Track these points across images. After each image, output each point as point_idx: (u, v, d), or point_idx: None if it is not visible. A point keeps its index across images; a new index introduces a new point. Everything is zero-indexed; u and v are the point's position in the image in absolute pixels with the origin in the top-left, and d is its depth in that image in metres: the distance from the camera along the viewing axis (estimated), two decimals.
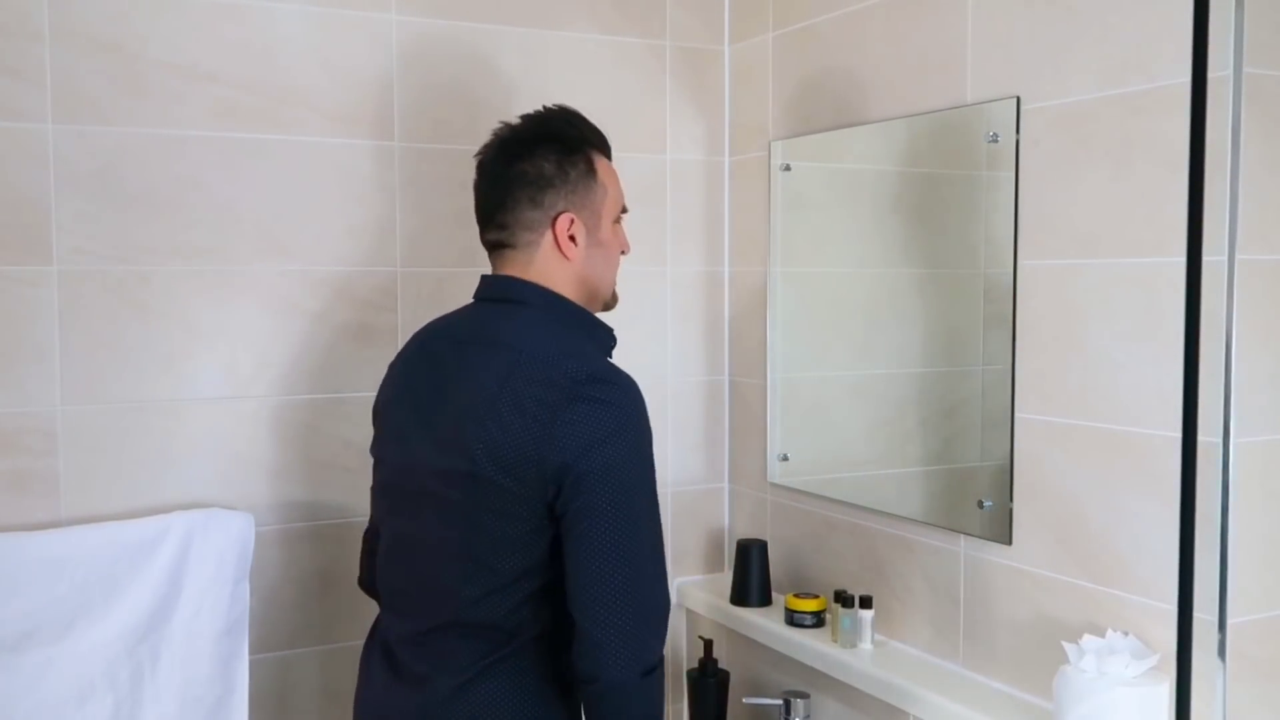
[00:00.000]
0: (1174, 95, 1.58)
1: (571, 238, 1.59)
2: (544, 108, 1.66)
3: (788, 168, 2.36)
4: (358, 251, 2.17)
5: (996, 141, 1.86)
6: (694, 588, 2.49)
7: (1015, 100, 1.82)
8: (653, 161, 2.46)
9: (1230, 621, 1.55)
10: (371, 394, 1.73)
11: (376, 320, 2.19)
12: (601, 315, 1.68)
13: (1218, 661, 1.55)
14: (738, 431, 2.55)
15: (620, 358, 2.47)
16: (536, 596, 1.51)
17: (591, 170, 1.61)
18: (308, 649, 2.16)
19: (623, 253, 1.69)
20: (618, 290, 1.70)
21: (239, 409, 2.09)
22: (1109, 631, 1.64)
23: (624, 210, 1.68)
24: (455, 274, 2.19)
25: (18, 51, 1.90)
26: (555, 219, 1.58)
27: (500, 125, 1.65)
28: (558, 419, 1.45)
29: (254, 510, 2.06)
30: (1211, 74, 1.51)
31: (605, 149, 1.66)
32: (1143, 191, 1.64)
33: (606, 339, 1.64)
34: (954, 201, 2.03)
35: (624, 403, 1.49)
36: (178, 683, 1.95)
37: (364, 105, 2.17)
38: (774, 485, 2.43)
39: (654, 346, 2.49)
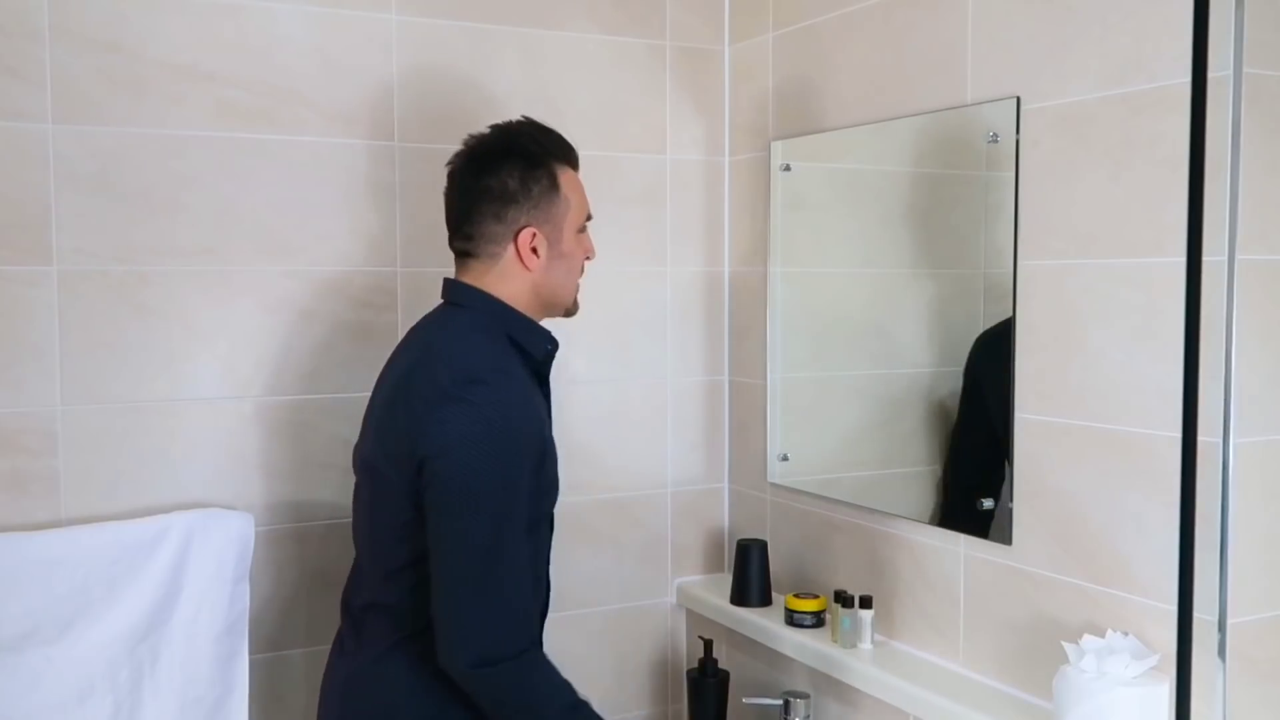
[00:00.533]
0: (1174, 95, 1.58)
1: (534, 250, 1.66)
2: (511, 120, 1.72)
3: (788, 168, 2.36)
4: (357, 251, 2.17)
5: (996, 142, 1.86)
6: (694, 588, 2.49)
7: (1015, 100, 1.82)
8: (653, 161, 2.46)
9: (1230, 621, 1.55)
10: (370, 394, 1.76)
11: (376, 320, 2.19)
12: (577, 319, 1.79)
13: (1218, 661, 1.55)
14: (737, 431, 2.55)
15: (620, 357, 2.48)
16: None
17: (554, 185, 1.68)
18: (307, 649, 2.16)
19: (588, 258, 1.76)
20: (579, 298, 1.76)
21: (238, 409, 2.09)
22: (1109, 631, 1.64)
23: (589, 218, 1.74)
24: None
25: (18, 51, 1.90)
26: (518, 234, 1.66)
27: (469, 136, 1.71)
28: (431, 415, 1.54)
29: (253, 510, 2.06)
30: (1211, 74, 1.51)
31: (571, 160, 1.72)
32: (1143, 191, 1.64)
33: (541, 343, 1.70)
34: (954, 202, 2.03)
35: (488, 401, 1.54)
36: (177, 683, 1.95)
37: (364, 105, 2.16)
38: (774, 485, 2.43)
39: (654, 346, 2.49)
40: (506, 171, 1.64)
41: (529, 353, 1.67)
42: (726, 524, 2.59)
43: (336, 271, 2.16)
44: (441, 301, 1.73)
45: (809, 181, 2.34)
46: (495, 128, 1.71)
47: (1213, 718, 1.56)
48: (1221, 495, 1.55)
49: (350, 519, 1.78)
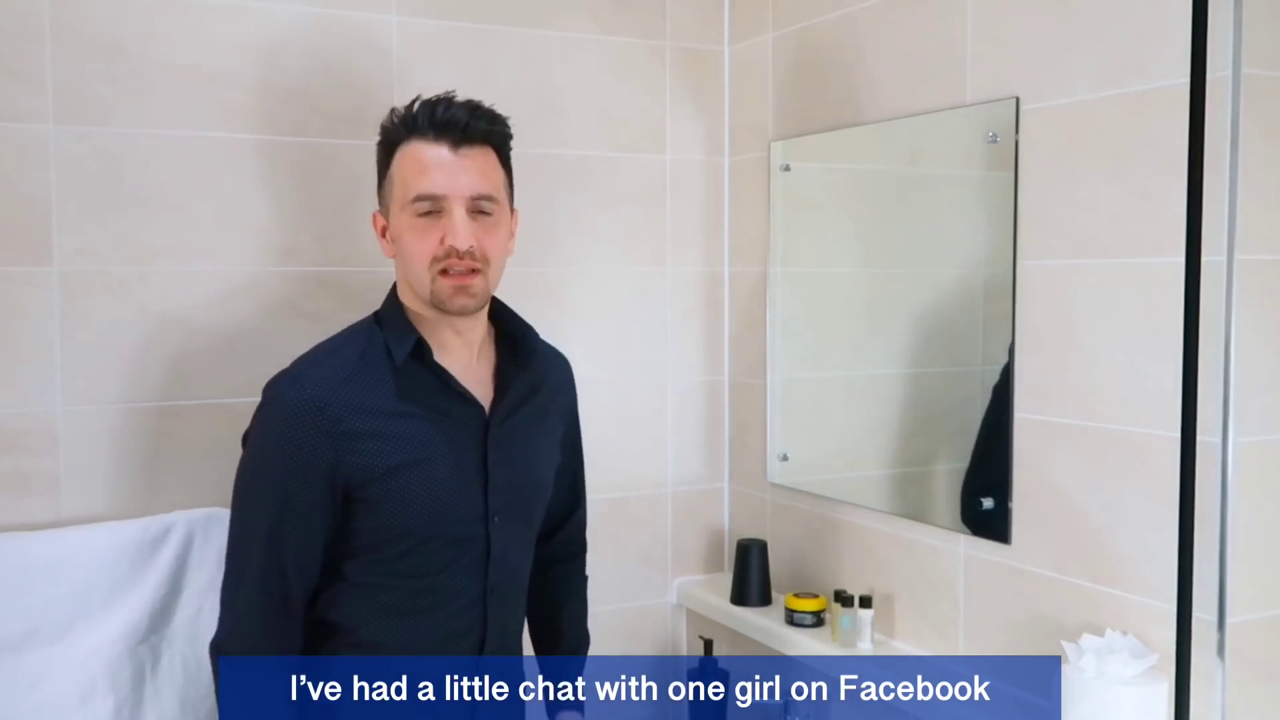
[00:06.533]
0: (1174, 95, 1.58)
1: (383, 234, 1.61)
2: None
3: (788, 168, 2.36)
4: (358, 252, 2.17)
5: (996, 142, 1.86)
6: (694, 587, 2.49)
7: (1014, 100, 1.82)
8: (653, 161, 2.46)
9: (1230, 621, 1.55)
10: None
11: None
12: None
13: (1217, 661, 1.55)
14: (738, 431, 2.55)
15: (620, 357, 2.48)
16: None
17: (387, 163, 1.58)
18: None
19: (452, 246, 1.51)
20: (446, 289, 1.53)
21: (239, 409, 2.09)
22: (1108, 631, 1.64)
23: (425, 198, 1.52)
24: None
25: (18, 52, 1.90)
26: (373, 217, 1.64)
27: None
28: None
29: None
30: (1211, 74, 1.52)
31: (424, 132, 1.54)
32: (1142, 192, 1.64)
33: (401, 346, 1.55)
34: (954, 202, 2.03)
35: (261, 411, 1.59)
36: (178, 683, 1.95)
37: (364, 106, 2.16)
38: (774, 485, 2.43)
39: (654, 346, 2.49)
40: None
41: (393, 356, 1.55)
42: (726, 524, 2.59)
43: (337, 272, 2.16)
44: None
45: (809, 181, 2.34)
46: None
47: (1212, 717, 1.57)
48: (1221, 495, 1.55)
49: None
